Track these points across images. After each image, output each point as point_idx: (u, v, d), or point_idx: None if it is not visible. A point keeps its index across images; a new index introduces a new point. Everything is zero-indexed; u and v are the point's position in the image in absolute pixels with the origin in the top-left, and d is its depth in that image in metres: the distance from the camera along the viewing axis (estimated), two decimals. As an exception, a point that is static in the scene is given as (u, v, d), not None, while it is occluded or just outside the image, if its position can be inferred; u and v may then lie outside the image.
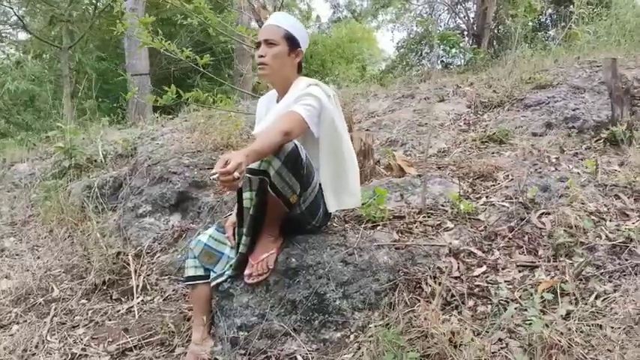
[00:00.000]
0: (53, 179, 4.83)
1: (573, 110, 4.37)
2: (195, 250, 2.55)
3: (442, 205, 2.76)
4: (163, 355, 2.74)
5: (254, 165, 2.13)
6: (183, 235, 3.81)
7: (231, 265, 2.45)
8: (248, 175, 2.16)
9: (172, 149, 4.53)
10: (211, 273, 2.53)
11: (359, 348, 2.05)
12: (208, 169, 4.20)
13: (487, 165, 3.15)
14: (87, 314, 3.25)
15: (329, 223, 2.59)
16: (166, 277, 3.50)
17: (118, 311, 3.25)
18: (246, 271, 2.33)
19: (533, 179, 2.83)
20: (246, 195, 2.33)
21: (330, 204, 2.38)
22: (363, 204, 2.75)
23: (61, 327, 3.14)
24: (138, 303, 3.27)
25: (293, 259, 2.32)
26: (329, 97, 2.37)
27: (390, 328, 1.99)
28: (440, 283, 2.13)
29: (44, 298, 3.43)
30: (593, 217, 2.46)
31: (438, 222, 2.60)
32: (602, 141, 3.98)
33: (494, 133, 3.97)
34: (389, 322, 2.06)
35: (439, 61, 9.72)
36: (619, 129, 3.93)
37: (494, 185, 2.95)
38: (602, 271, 2.13)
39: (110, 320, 3.16)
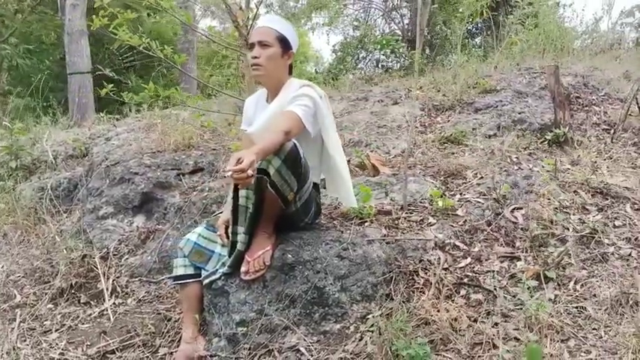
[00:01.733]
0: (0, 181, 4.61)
1: (519, 113, 4.67)
2: (185, 249, 2.56)
3: (421, 202, 2.91)
4: (147, 357, 2.73)
5: None
6: (151, 237, 3.76)
7: (224, 263, 2.49)
8: None
9: (131, 149, 4.44)
10: (202, 271, 2.55)
11: (361, 338, 2.14)
12: (171, 169, 4.16)
13: (455, 164, 3.34)
14: (56, 319, 3.17)
15: (317, 220, 2.68)
16: (137, 279, 3.46)
17: (90, 315, 3.18)
18: (243, 268, 2.37)
19: (502, 177, 3.04)
20: (242, 193, 2.38)
21: (352, 199, 2.49)
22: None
23: (31, 333, 3.05)
24: (111, 306, 3.21)
25: (289, 255, 2.38)
26: (321, 98, 2.46)
27: (390, 317, 2.10)
28: (434, 274, 2.27)
29: (8, 304, 3.30)
30: (559, 211, 2.68)
31: (421, 218, 2.75)
32: (546, 142, 4.29)
33: (451, 135, 4.18)
34: (388, 312, 2.17)
35: (380, 65, 9.99)
36: (562, 131, 4.26)
37: (465, 183, 3.14)
38: (576, 259, 2.34)
39: (84, 324, 3.09)
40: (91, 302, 3.30)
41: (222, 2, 3.10)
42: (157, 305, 3.16)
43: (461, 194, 2.99)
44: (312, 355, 2.15)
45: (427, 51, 12.98)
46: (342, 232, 2.53)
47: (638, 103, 4.52)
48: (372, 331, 2.14)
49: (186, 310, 2.58)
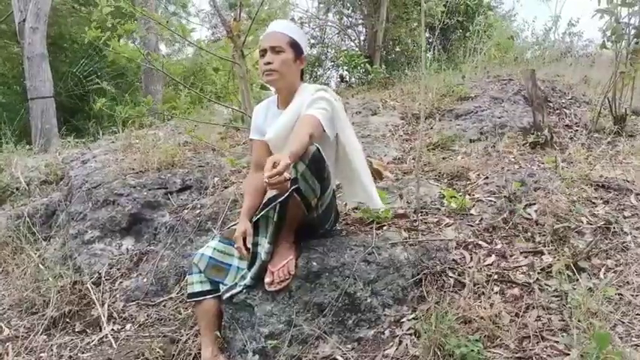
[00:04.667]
0: (-31, 212, 4.35)
1: (499, 118, 4.76)
2: (201, 265, 2.46)
3: (432, 204, 2.90)
4: (160, 381, 2.60)
5: None
6: (144, 259, 3.62)
7: (243, 276, 2.40)
8: None
9: (112, 171, 4.28)
10: (221, 286, 2.45)
11: (400, 342, 2.09)
12: (158, 188, 4.03)
13: (456, 166, 3.35)
14: (52, 350, 3.00)
15: (335, 227, 2.63)
16: (134, 303, 3.31)
17: (89, 343, 3.03)
18: (267, 279, 2.29)
19: (508, 176, 3.06)
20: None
21: (376, 200, 2.46)
22: (355, 208, 2.84)
23: (27, 366, 2.86)
24: (110, 332, 3.05)
25: (314, 263, 2.31)
26: (336, 101, 2.43)
27: (427, 319, 2.05)
28: (464, 273, 2.24)
29: (-3, 338, 3.09)
30: (572, 206, 2.71)
31: (437, 219, 2.73)
32: (528, 144, 4.38)
33: (438, 141, 4.22)
34: (422, 314, 2.13)
35: (344, 81, 10.08)
36: (543, 133, 4.36)
37: (471, 184, 3.15)
38: (598, 250, 2.37)
39: (84, 353, 2.94)
40: (87, 330, 3.15)
41: (216, 14, 3.02)
42: (160, 328, 3.03)
43: (469, 194, 3.00)
44: (350, 363, 2.08)
45: (383, 66, 13.21)
46: (364, 236, 2.48)
47: (610, 106, 4.66)
48: (411, 334, 2.10)
49: (205, 327, 2.47)
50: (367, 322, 2.20)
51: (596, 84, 6.73)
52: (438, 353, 1.88)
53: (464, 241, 2.53)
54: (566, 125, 5.15)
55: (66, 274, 3.45)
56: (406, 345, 2.05)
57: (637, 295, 2.01)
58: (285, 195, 2.15)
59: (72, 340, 3.06)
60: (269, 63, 2.38)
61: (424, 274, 2.32)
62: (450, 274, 2.33)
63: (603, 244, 2.41)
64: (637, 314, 1.93)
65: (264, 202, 2.28)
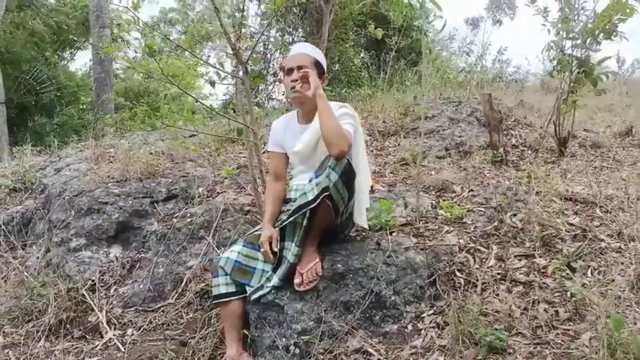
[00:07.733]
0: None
1: (459, 137, 5.16)
2: (227, 268, 2.59)
3: (428, 213, 3.18)
4: (179, 381, 2.70)
5: None
6: (137, 266, 3.66)
7: (269, 278, 2.57)
8: None
9: (91, 179, 4.28)
10: (247, 288, 2.59)
11: (426, 334, 2.33)
12: (143, 197, 4.08)
13: (439, 180, 3.67)
14: (55, 356, 3.00)
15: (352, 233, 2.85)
16: (131, 308, 3.36)
17: (93, 348, 3.05)
18: (296, 280, 2.47)
19: (490, 189, 3.40)
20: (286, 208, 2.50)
21: (363, 218, 2.68)
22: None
23: (33, 373, 2.86)
24: (116, 336, 3.10)
25: (339, 265, 2.52)
26: (355, 117, 2.67)
27: (446, 314, 2.31)
28: (472, 274, 2.53)
29: (-6, 347, 3.05)
30: (552, 216, 3.08)
31: (436, 227, 3.01)
32: (487, 162, 4.79)
33: (409, 157, 4.54)
34: (446, 309, 2.39)
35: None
36: (500, 152, 4.78)
37: (458, 195, 3.47)
38: (582, 253, 2.72)
39: (91, 357, 2.96)
40: (87, 336, 3.17)
41: (223, 32, 3.19)
42: (165, 332, 3.10)
43: (458, 205, 3.31)
44: (381, 355, 2.29)
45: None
46: (379, 241, 2.71)
47: (555, 128, 5.13)
48: (434, 327, 2.35)
49: (229, 327, 2.60)
50: (392, 317, 2.43)
51: (530, 107, 7.39)
52: (467, 341, 2.14)
53: (465, 246, 2.82)
54: (513, 145, 5.63)
55: (57, 282, 3.44)
56: (432, 336, 2.29)
57: (624, 291, 2.36)
58: (317, 202, 2.36)
59: (74, 345, 3.08)
60: (296, 81, 2.58)
61: (437, 274, 2.58)
62: (459, 274, 2.61)
63: (585, 248, 2.77)
64: (627, 305, 2.27)
65: (293, 208, 2.47)
